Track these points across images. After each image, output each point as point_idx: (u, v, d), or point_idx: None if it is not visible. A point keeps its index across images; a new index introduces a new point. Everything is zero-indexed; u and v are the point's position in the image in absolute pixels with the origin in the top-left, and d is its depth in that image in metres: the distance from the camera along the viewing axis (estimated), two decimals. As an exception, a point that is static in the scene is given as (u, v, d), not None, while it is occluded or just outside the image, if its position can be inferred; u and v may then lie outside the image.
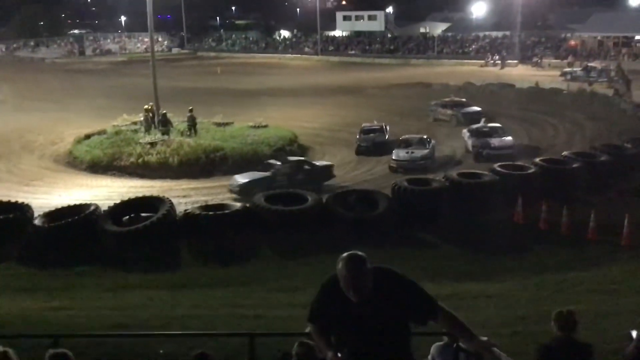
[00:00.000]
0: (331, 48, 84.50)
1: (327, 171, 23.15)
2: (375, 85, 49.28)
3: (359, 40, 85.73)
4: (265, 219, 15.31)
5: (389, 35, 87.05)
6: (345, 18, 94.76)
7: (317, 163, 24.01)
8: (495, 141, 26.29)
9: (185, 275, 13.26)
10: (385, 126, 30.06)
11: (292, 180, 21.62)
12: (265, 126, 32.07)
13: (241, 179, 22.14)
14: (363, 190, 18.29)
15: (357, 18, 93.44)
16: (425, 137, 27.15)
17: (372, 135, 28.91)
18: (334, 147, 30.40)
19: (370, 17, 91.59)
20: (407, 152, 25.17)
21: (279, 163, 23.45)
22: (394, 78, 53.22)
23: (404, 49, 78.23)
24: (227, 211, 15.56)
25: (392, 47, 79.39)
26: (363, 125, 30.04)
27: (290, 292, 12.07)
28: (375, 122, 30.47)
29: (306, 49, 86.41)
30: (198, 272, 13.39)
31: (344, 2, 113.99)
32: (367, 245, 10.75)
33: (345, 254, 3.53)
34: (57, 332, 6.33)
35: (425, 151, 25.40)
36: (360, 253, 3.56)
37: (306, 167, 23.00)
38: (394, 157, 25.14)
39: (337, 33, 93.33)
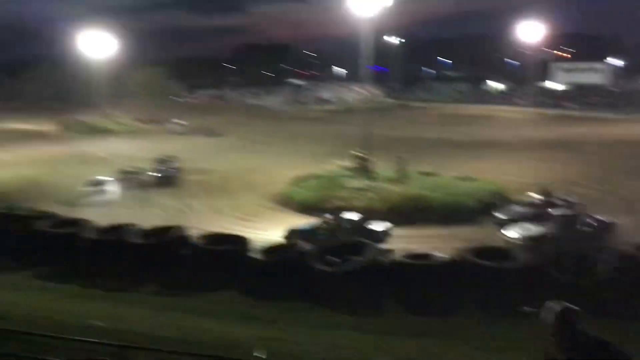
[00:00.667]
0: (546, 100, 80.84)
1: (382, 235, 21.76)
2: (596, 141, 45.97)
3: (578, 93, 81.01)
4: (472, 273, 14.79)
5: (614, 89, 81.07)
6: (562, 69, 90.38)
7: (375, 227, 22.63)
8: None
9: (388, 322, 13.24)
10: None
11: (333, 235, 20.76)
12: (473, 178, 31.37)
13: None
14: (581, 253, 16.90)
15: (575, 69, 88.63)
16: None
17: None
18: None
19: (591, 69, 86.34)
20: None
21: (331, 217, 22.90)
22: (618, 135, 49.21)
23: (630, 103, 72.15)
24: (432, 261, 15.35)
25: (614, 101, 73.72)
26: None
27: (494, 352, 11.45)
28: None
29: (518, 101, 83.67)
30: (401, 319, 13.30)
31: (562, 54, 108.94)
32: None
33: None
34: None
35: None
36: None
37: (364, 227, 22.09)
38: None
39: (553, 85, 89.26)
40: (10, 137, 58.88)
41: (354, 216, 23.32)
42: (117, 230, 18.22)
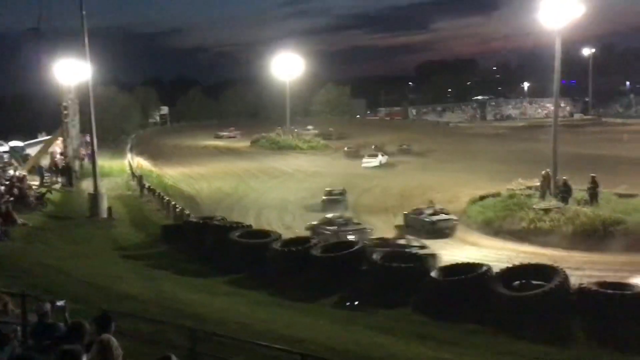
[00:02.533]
0: None
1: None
2: None
3: None
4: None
5: None
6: None
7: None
8: None
9: (575, 355, 12.35)
10: None
11: None
12: (678, 202, 28.31)
13: None
14: None
15: None
16: None
17: None
18: None
19: None
20: None
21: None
22: None
23: None
24: (628, 292, 14.03)
25: None
26: None
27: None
28: None
29: None
30: (591, 354, 12.33)
31: None
32: None
33: None
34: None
35: None
36: None
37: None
38: None
39: None
40: (207, 152, 64.46)
41: None
42: (302, 242, 19.06)
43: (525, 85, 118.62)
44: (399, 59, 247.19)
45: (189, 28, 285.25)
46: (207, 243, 21.25)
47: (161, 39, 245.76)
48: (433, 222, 28.08)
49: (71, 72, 33.85)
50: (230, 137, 77.65)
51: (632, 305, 13.54)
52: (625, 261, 21.64)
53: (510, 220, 27.63)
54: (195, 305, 14.17)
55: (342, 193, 35.57)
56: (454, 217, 29.45)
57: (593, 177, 28.74)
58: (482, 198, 31.82)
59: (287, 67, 69.86)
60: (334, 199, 34.53)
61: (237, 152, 65.10)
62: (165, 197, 32.72)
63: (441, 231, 27.86)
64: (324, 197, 34.87)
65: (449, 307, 14.54)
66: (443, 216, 28.85)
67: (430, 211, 29.08)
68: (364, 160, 52.40)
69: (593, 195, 28.31)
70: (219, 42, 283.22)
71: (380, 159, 52.37)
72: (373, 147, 57.89)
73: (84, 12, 27.74)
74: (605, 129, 76.30)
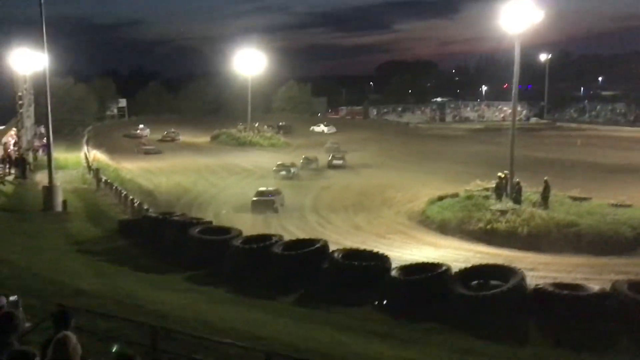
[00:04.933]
0: None
1: None
2: None
3: None
4: (628, 308, 13.69)
5: None
6: None
7: None
8: None
9: (532, 354, 12.62)
10: None
11: None
12: (629, 206, 29.19)
13: None
14: None
15: None
16: None
17: None
18: None
19: None
20: None
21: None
22: None
23: None
24: (582, 293, 14.41)
25: None
26: None
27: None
28: None
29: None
30: (546, 353, 12.61)
31: None
32: None
33: None
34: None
35: None
36: None
37: None
38: None
39: None
40: (169, 147, 63.56)
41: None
42: (262, 239, 18.95)
43: (484, 88, 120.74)
44: (360, 59, 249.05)
45: (149, 20, 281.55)
46: (166, 239, 20.97)
47: (120, 31, 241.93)
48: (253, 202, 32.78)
49: (27, 61, 32.95)
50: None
51: (585, 306, 13.92)
52: (578, 263, 22.18)
53: (468, 221, 28.01)
54: (154, 302, 13.95)
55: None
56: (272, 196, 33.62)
57: (546, 181, 29.37)
58: (440, 198, 32.18)
59: (248, 63, 69.45)
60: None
61: (196, 147, 64.40)
62: (122, 191, 32.15)
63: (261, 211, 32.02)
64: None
65: (408, 306, 14.68)
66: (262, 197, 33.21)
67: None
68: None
69: (545, 198, 28.92)
70: (179, 35, 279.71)
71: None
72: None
73: (42, 1, 27.00)
74: (559, 134, 78.24)
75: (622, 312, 13.74)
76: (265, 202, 32.81)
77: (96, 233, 24.59)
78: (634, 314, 13.52)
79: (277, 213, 32.35)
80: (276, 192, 34.53)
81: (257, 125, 71.93)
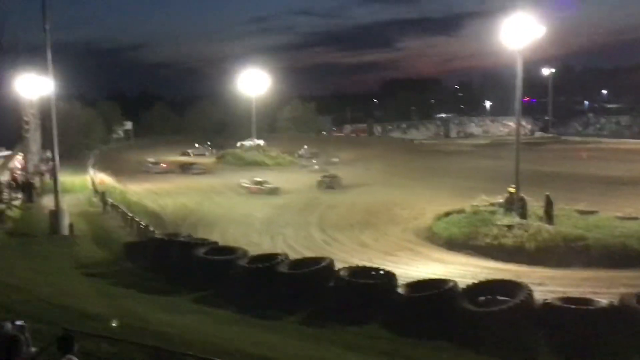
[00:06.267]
0: None
1: None
2: None
3: None
4: (638, 322, 13.54)
5: None
6: None
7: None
8: None
9: (541, 369, 12.50)
10: None
11: None
12: (636, 218, 29.08)
13: None
14: None
15: None
16: None
17: None
18: None
19: None
20: None
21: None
22: None
23: None
24: (591, 307, 14.28)
25: None
26: None
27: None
28: None
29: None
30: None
31: None
32: None
33: None
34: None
35: None
36: None
37: None
38: None
39: None
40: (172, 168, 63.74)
41: None
42: (269, 259, 18.92)
43: (487, 104, 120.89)
44: (364, 77, 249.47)
45: (153, 44, 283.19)
46: (172, 260, 20.93)
47: (125, 55, 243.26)
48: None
49: (33, 86, 33.23)
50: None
51: (594, 321, 13.79)
52: (586, 277, 22.06)
53: (475, 237, 27.93)
54: (160, 324, 13.90)
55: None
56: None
57: (547, 197, 29.16)
58: (446, 214, 32.14)
59: (252, 83, 69.87)
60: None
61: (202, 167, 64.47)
62: (128, 213, 32.22)
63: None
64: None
65: (416, 324, 14.57)
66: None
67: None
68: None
69: (548, 214, 28.66)
70: (183, 58, 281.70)
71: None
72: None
73: (47, 27, 27.31)
74: (564, 147, 78.14)
75: (631, 326, 13.63)
76: (326, 182, 49.86)
77: (102, 256, 24.59)
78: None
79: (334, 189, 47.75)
80: (334, 176, 51.67)
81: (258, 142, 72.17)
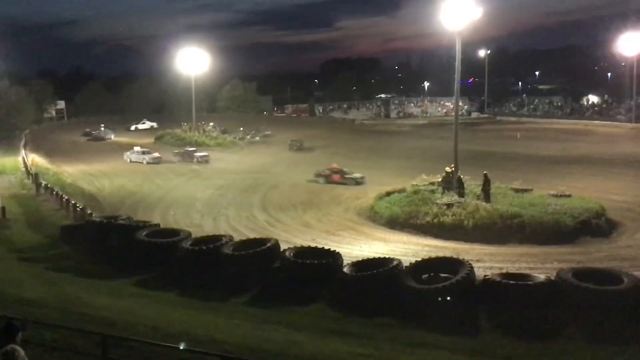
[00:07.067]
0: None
1: None
2: None
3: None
4: (573, 296, 14.11)
5: None
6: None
7: None
8: None
9: (483, 343, 12.86)
10: None
11: None
12: (569, 196, 30.18)
13: None
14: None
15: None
16: None
17: None
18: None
19: None
20: None
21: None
22: None
23: None
24: (530, 282, 14.79)
25: None
26: None
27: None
28: None
29: (618, 116, 79.66)
30: (497, 342, 12.87)
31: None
32: None
33: None
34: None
35: None
36: None
37: None
38: None
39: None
40: (109, 149, 62.06)
41: None
42: (212, 240, 18.70)
43: (426, 84, 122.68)
44: (304, 57, 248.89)
45: (85, 20, 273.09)
46: (112, 243, 20.44)
47: (56, 31, 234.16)
48: None
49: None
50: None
51: (533, 295, 14.30)
52: (522, 252, 22.73)
53: (415, 215, 28.34)
54: (101, 309, 13.57)
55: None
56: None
57: (485, 175, 29.93)
58: (388, 194, 32.47)
59: (191, 61, 68.44)
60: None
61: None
62: (64, 195, 31.18)
63: None
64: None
65: (361, 302, 14.75)
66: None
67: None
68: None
69: (486, 192, 29.44)
70: (117, 34, 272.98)
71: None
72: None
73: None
74: (500, 127, 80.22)
75: (568, 300, 14.19)
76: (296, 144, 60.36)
77: (38, 240, 23.78)
78: (580, 301, 13.96)
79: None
80: (300, 140, 61.33)
81: (203, 124, 71.06)
